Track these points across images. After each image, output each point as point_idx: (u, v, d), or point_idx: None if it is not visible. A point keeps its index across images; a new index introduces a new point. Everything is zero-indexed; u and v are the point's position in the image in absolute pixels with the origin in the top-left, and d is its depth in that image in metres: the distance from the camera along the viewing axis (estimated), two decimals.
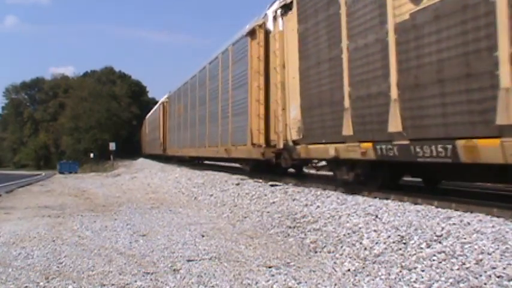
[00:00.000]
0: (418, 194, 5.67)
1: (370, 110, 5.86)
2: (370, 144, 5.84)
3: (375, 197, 5.89)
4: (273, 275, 3.90)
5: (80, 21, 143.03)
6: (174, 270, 4.15)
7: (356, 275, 3.81)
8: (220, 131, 12.95)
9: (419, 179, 7.14)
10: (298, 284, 3.66)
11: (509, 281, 2.94)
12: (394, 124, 5.29)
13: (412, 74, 5.03)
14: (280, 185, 8.50)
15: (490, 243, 3.42)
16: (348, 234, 4.71)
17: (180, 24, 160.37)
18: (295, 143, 7.98)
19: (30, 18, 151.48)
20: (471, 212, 4.40)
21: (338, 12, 6.48)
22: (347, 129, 6.28)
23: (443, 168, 5.35)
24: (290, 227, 5.64)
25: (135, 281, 3.82)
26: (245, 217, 6.91)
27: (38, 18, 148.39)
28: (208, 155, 15.43)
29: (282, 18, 8.67)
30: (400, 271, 3.60)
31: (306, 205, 6.29)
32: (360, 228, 4.70)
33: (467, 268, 3.23)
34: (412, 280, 3.40)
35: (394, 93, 5.32)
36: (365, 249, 4.24)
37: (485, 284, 2.99)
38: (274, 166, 9.37)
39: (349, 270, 3.96)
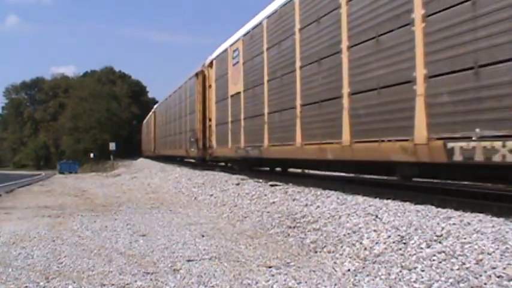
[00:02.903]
0: (418, 194, 5.67)
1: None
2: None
3: (375, 197, 5.89)
4: (273, 275, 3.90)
5: (80, 21, 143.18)
6: (174, 270, 4.15)
7: (356, 275, 3.81)
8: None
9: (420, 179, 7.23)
10: (298, 284, 3.66)
11: (509, 281, 2.94)
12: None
13: None
14: (280, 185, 8.51)
15: (490, 243, 3.42)
16: (348, 234, 4.71)
17: (181, 24, 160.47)
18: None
19: (32, 18, 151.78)
20: (471, 212, 4.40)
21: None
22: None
23: None
24: (290, 227, 5.64)
25: (135, 281, 3.83)
26: (245, 217, 6.92)
27: (39, 18, 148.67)
28: None
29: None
30: (400, 271, 3.60)
31: (306, 205, 6.29)
32: (360, 228, 4.71)
33: (467, 268, 3.23)
34: (412, 280, 3.40)
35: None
36: (365, 249, 4.24)
37: (485, 284, 2.99)
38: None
39: (349, 270, 3.96)
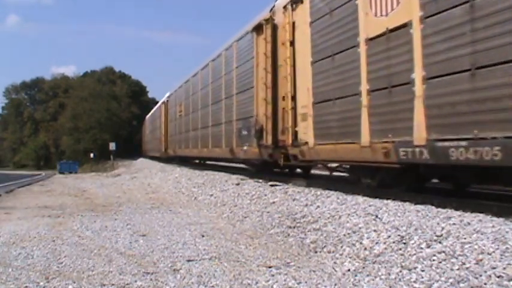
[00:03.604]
0: (418, 194, 5.67)
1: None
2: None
3: (375, 197, 5.89)
4: (273, 275, 3.90)
5: (81, 21, 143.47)
6: (174, 270, 4.15)
7: (356, 275, 3.81)
8: None
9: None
10: (298, 284, 3.66)
11: (509, 281, 2.94)
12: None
13: None
14: (280, 185, 8.51)
15: (490, 243, 3.42)
16: (348, 234, 4.71)
17: (181, 24, 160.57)
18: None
19: (32, 18, 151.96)
20: (471, 212, 4.40)
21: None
22: None
23: None
24: (290, 227, 5.64)
25: (135, 281, 3.83)
26: (245, 217, 6.92)
27: (39, 18, 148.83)
28: None
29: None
30: (400, 271, 3.60)
31: (306, 205, 6.29)
32: (360, 228, 4.71)
33: (467, 268, 3.23)
34: (412, 280, 3.40)
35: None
36: (365, 249, 4.24)
37: (485, 284, 2.99)
38: None
39: (349, 270, 3.96)
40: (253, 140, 10.14)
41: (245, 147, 10.80)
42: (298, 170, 10.69)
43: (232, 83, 12.07)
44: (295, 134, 8.20)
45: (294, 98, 8.29)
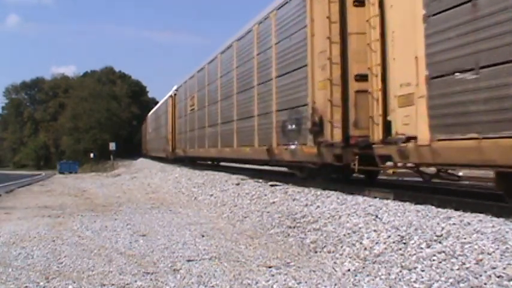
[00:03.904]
0: (418, 194, 5.67)
1: None
2: None
3: (375, 197, 5.89)
4: (273, 275, 3.90)
5: (81, 21, 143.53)
6: (174, 270, 4.15)
7: (356, 275, 3.81)
8: None
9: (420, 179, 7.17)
10: (298, 284, 3.66)
11: (509, 281, 2.94)
12: None
13: None
14: (280, 185, 8.50)
15: (490, 243, 3.42)
16: (348, 234, 4.71)
17: (181, 24, 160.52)
18: None
19: (32, 18, 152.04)
20: (471, 212, 4.40)
21: None
22: None
23: None
24: (290, 227, 5.64)
25: (135, 281, 3.83)
26: (245, 217, 6.92)
27: (39, 18, 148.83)
28: None
29: None
30: (400, 271, 3.60)
31: (306, 205, 6.29)
32: (360, 228, 4.71)
33: (467, 268, 3.23)
34: (412, 280, 3.40)
35: None
36: (365, 249, 4.24)
37: (485, 284, 2.99)
38: None
39: (349, 270, 3.96)
40: (306, 137, 7.63)
41: (292, 146, 8.24)
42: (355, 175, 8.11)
43: (270, 64, 9.39)
44: (386, 126, 5.79)
45: (382, 76, 5.89)
